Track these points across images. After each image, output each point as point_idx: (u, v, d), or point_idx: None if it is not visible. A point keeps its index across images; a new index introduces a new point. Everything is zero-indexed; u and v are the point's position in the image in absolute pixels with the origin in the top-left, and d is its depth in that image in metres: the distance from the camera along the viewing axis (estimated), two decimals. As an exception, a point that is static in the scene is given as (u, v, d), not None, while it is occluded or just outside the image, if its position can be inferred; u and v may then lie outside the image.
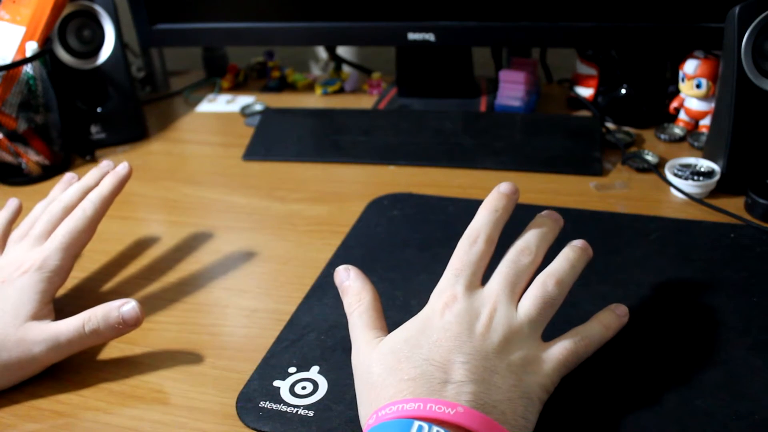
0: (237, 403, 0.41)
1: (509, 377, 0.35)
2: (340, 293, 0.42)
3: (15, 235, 0.51)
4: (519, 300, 0.39)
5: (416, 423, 0.31)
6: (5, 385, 0.43)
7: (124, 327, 0.44)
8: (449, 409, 0.32)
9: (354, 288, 0.41)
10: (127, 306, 0.44)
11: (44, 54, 0.70)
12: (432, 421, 0.32)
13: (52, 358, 0.44)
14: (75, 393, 0.44)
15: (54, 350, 0.44)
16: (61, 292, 0.53)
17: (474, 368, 0.35)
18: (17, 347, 0.43)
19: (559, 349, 0.38)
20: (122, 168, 0.54)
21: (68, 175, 0.56)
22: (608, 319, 0.41)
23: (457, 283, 0.40)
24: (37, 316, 0.44)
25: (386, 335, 0.39)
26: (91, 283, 0.56)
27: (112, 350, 0.47)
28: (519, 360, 0.37)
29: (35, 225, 0.50)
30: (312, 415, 0.40)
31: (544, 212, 0.44)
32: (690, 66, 0.68)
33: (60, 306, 0.48)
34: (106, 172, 0.54)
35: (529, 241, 0.42)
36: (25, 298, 0.45)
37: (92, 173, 0.55)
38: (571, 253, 0.42)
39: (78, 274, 0.56)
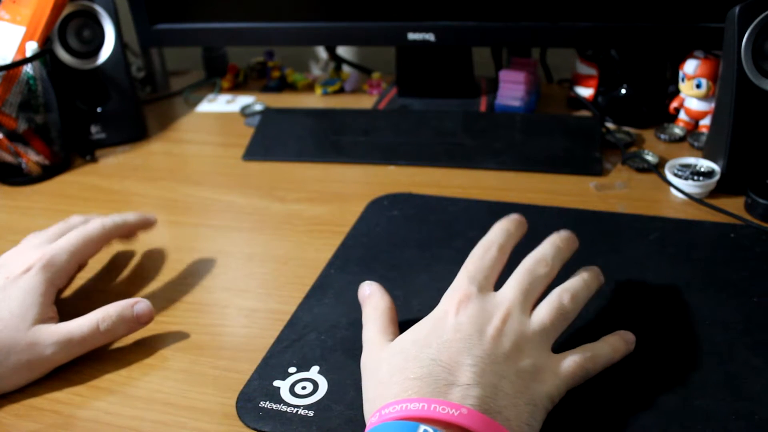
0: (237, 403, 0.41)
1: (517, 383, 0.35)
2: (361, 306, 0.44)
3: (32, 234, 0.52)
4: (532, 309, 0.40)
5: (422, 427, 0.31)
6: (13, 387, 0.43)
7: (137, 325, 0.47)
8: (453, 411, 0.32)
9: (373, 299, 0.43)
10: (141, 305, 0.47)
11: (44, 54, 0.70)
12: (435, 421, 0.32)
13: (64, 358, 0.45)
14: (75, 393, 0.44)
15: (66, 350, 0.44)
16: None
17: (481, 372, 0.35)
18: (28, 351, 0.43)
19: (569, 363, 0.38)
20: (151, 215, 0.56)
21: None
22: (617, 343, 0.41)
23: (471, 285, 0.40)
24: (44, 318, 0.45)
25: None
26: (91, 283, 0.56)
27: (112, 350, 0.47)
28: (529, 367, 0.37)
29: (51, 227, 0.52)
30: (312, 415, 0.40)
31: (562, 231, 0.45)
32: (690, 66, 0.68)
33: (60, 306, 0.48)
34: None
35: (545, 254, 0.43)
36: (29, 300, 0.45)
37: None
38: (586, 274, 0.43)
39: (78, 274, 0.56)
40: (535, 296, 0.41)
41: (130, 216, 0.53)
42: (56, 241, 0.49)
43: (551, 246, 0.43)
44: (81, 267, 0.49)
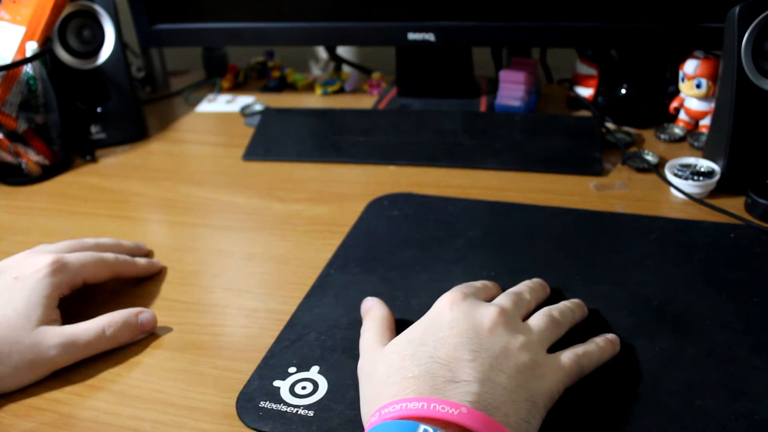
0: (237, 403, 0.41)
1: (516, 378, 0.36)
2: (363, 319, 0.45)
3: (43, 245, 0.52)
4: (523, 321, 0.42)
5: (422, 426, 0.31)
6: (13, 387, 0.43)
7: (140, 333, 0.48)
8: (453, 410, 0.32)
9: (371, 311, 0.44)
10: (145, 314, 0.48)
11: (44, 54, 0.70)
12: (435, 420, 0.32)
13: (67, 360, 0.45)
14: (74, 393, 0.44)
15: (70, 353, 0.45)
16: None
17: (480, 366, 0.35)
18: (31, 350, 0.43)
19: (565, 360, 0.39)
20: (158, 264, 0.56)
21: None
22: (603, 343, 0.42)
23: (464, 289, 0.42)
24: (48, 320, 0.45)
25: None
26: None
27: (112, 350, 0.47)
28: (528, 362, 0.37)
29: (63, 242, 0.52)
30: (312, 415, 0.40)
31: (534, 279, 0.48)
32: (690, 66, 0.68)
33: (61, 306, 0.48)
34: (144, 253, 0.58)
35: (524, 286, 0.46)
36: (34, 300, 0.45)
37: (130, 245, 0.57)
38: (569, 303, 0.44)
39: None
40: (523, 312, 0.42)
41: (141, 262, 0.55)
42: (72, 253, 0.50)
43: (525, 285, 0.46)
44: (84, 284, 0.50)
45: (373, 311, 0.44)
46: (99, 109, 0.79)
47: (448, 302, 0.40)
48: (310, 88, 0.94)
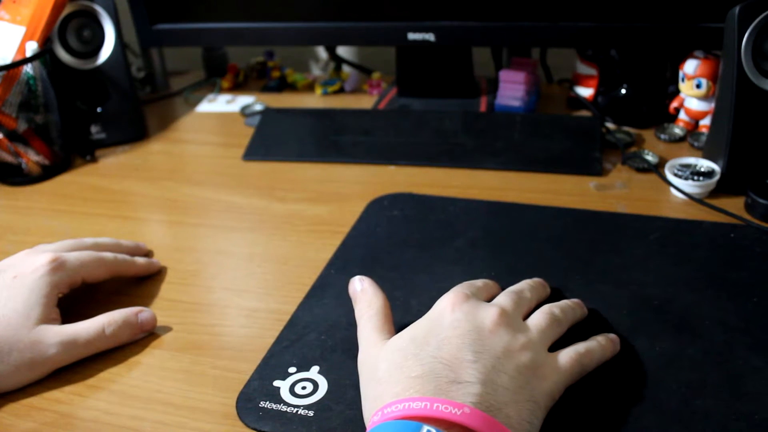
0: (237, 403, 0.41)
1: (517, 378, 0.36)
2: (353, 302, 0.44)
3: (42, 244, 0.52)
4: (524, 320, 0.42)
5: (425, 427, 0.31)
6: (13, 386, 0.44)
7: (140, 332, 0.48)
8: (456, 410, 0.32)
9: (366, 295, 0.43)
10: (145, 314, 0.48)
11: (44, 54, 0.70)
12: (438, 420, 0.32)
13: (66, 359, 0.45)
14: (74, 393, 0.44)
15: (69, 352, 0.45)
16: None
17: (483, 367, 0.35)
18: (30, 349, 0.43)
19: (566, 359, 0.39)
20: (157, 264, 0.56)
21: None
22: (605, 342, 0.42)
23: (465, 289, 0.42)
24: (47, 319, 0.45)
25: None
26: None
27: (112, 350, 0.47)
28: (528, 362, 0.37)
29: (62, 241, 0.52)
30: (312, 415, 0.40)
31: (537, 279, 0.47)
32: (690, 66, 0.68)
33: (61, 305, 0.48)
34: (143, 253, 0.58)
35: (524, 284, 0.45)
36: (33, 299, 0.45)
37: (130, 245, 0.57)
38: (569, 301, 0.45)
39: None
40: (524, 311, 0.42)
41: (140, 261, 0.55)
42: (71, 252, 0.50)
43: (526, 283, 0.46)
44: (83, 283, 0.50)
45: (368, 296, 0.42)
46: (99, 109, 0.79)
47: (450, 302, 0.40)
48: (310, 88, 0.94)
